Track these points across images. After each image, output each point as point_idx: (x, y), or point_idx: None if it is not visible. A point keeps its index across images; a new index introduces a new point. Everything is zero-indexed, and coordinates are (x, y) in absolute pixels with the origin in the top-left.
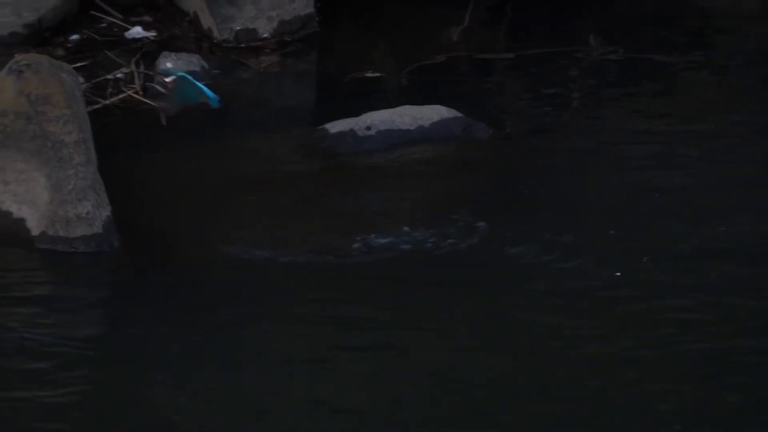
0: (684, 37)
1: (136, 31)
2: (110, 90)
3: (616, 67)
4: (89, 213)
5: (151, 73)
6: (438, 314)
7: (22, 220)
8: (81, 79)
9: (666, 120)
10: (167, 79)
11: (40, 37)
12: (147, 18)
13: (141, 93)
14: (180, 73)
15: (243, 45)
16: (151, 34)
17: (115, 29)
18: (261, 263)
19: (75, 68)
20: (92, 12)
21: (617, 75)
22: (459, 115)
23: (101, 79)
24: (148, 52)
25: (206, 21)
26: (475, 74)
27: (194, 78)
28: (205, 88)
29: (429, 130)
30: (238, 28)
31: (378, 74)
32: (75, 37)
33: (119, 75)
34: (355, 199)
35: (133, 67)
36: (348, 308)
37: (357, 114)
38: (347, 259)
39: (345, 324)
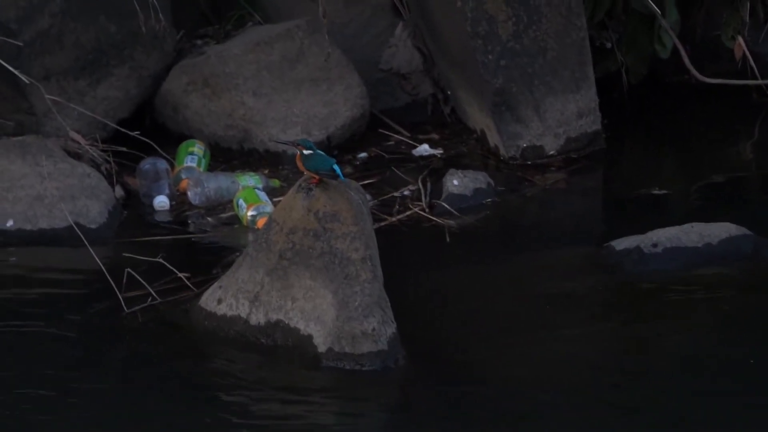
0: None
1: (424, 149)
2: (397, 207)
3: None
4: (375, 330)
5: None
6: None
7: (309, 337)
8: (368, 197)
9: None
10: (305, 152)
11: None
12: (434, 136)
13: (427, 210)
14: (308, 143)
15: (529, 162)
16: (438, 151)
17: (403, 147)
18: (552, 389)
19: (363, 185)
20: (380, 130)
21: None
22: (748, 232)
23: (388, 196)
24: (434, 170)
25: (493, 138)
26: (765, 190)
27: (480, 194)
28: (336, 166)
29: (717, 248)
30: (524, 145)
31: (665, 191)
32: (363, 154)
33: (406, 192)
34: (645, 322)
35: (419, 184)
36: None
37: (643, 231)
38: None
39: None
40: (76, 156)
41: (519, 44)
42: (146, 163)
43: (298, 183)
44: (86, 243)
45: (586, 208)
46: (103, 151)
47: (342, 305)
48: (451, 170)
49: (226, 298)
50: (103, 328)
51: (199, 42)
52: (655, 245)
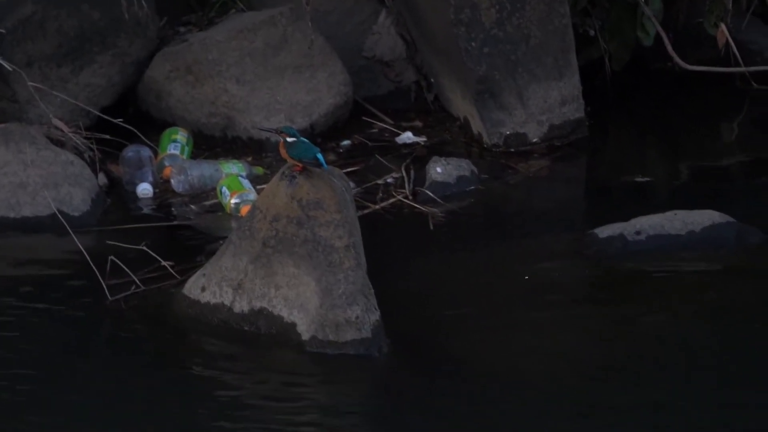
0: None
1: (407, 136)
2: (380, 195)
3: None
4: (358, 317)
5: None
6: None
7: (293, 325)
8: (352, 184)
9: None
10: (289, 139)
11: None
12: (417, 123)
13: (411, 198)
14: (292, 130)
15: (512, 150)
16: (421, 139)
17: (386, 134)
18: (535, 375)
19: (346, 173)
20: (364, 118)
21: None
22: (731, 219)
23: (371, 183)
24: (418, 157)
25: (476, 126)
26: (748, 177)
27: (464, 182)
28: (319, 155)
29: (700, 235)
30: (507, 132)
31: (648, 179)
32: (346, 142)
33: (389, 180)
34: (629, 309)
35: (403, 171)
36: None
37: (626, 219)
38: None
39: None
40: (59, 143)
41: (502, 31)
42: (129, 151)
43: (281, 170)
44: (70, 230)
45: (570, 195)
46: (86, 138)
47: (325, 293)
48: (435, 158)
49: (210, 286)
50: (87, 315)
51: (182, 29)
52: (638, 233)
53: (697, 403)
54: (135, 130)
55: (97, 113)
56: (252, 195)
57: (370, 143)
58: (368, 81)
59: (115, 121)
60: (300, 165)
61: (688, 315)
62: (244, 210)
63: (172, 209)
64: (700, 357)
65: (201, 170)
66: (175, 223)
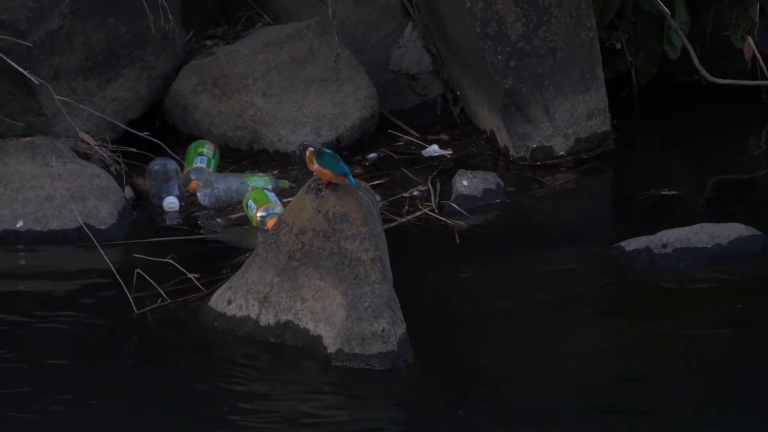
0: None
1: (433, 149)
2: (406, 207)
3: None
4: (384, 330)
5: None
6: None
7: (319, 338)
8: (378, 197)
9: None
10: (307, 152)
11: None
12: (444, 136)
13: (437, 211)
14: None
15: (539, 163)
16: (448, 152)
17: (412, 147)
18: (561, 389)
19: (372, 186)
20: (390, 131)
21: None
22: (758, 232)
23: (398, 196)
24: (444, 170)
25: (502, 139)
26: None
27: (490, 195)
28: (347, 169)
29: (726, 248)
30: (534, 145)
31: (674, 192)
32: (372, 155)
33: (415, 193)
34: (655, 323)
35: (429, 185)
36: None
37: (653, 232)
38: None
39: None
40: (86, 157)
41: (529, 45)
42: (156, 164)
43: (307, 183)
44: (96, 244)
45: (596, 208)
46: (112, 151)
47: (352, 306)
48: (461, 171)
49: (236, 299)
50: (114, 328)
51: (208, 43)
52: (664, 246)
53: (727, 418)
54: (161, 144)
55: (124, 127)
56: (278, 208)
57: (396, 156)
58: (394, 94)
59: (141, 134)
60: (326, 178)
61: (714, 328)
62: (270, 223)
63: (199, 222)
64: (728, 370)
65: (227, 183)
66: (201, 236)
